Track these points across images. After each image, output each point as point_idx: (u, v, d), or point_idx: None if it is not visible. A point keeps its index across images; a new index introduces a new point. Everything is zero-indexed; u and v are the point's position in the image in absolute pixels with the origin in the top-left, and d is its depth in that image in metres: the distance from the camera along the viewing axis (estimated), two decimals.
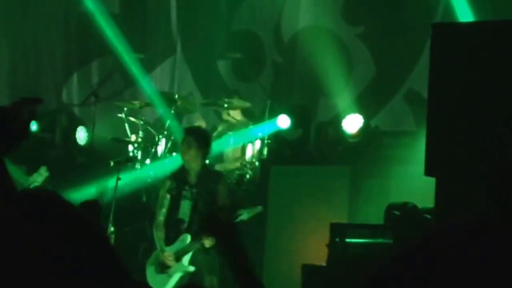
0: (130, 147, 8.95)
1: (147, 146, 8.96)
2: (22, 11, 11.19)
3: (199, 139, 7.43)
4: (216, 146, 8.19)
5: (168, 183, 7.50)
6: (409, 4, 9.58)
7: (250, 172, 8.65)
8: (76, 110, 10.87)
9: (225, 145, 8.83)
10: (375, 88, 9.69)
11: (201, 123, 9.34)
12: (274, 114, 9.13)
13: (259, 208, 7.25)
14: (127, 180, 8.40)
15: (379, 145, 9.14)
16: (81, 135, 9.76)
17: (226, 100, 9.01)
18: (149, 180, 8.72)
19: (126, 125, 9.02)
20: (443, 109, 5.15)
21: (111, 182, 8.11)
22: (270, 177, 8.92)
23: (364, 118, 9.01)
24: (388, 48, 9.67)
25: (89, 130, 9.77)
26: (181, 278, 7.20)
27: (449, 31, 5.47)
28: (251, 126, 8.95)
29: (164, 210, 7.43)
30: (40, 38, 11.15)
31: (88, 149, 9.73)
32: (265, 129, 8.94)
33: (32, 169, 8.25)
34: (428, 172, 5.16)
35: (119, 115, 9.04)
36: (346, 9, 9.92)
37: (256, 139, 8.81)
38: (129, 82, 10.42)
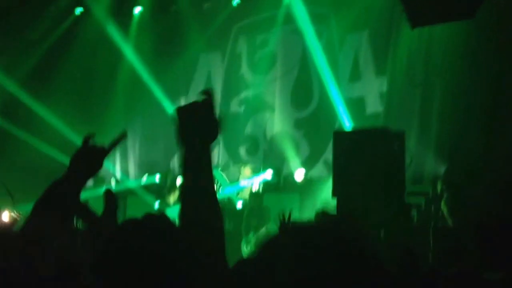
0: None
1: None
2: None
3: None
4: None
5: None
6: None
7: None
8: None
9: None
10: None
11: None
12: (265, 169, 12.97)
13: None
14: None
15: None
16: None
17: (242, 167, 13.23)
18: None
19: None
20: (342, 180, 7.49)
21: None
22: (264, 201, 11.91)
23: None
24: None
25: None
26: None
27: (344, 136, 7.91)
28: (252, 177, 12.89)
29: None
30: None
31: None
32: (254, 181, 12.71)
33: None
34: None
35: None
36: None
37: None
38: None
